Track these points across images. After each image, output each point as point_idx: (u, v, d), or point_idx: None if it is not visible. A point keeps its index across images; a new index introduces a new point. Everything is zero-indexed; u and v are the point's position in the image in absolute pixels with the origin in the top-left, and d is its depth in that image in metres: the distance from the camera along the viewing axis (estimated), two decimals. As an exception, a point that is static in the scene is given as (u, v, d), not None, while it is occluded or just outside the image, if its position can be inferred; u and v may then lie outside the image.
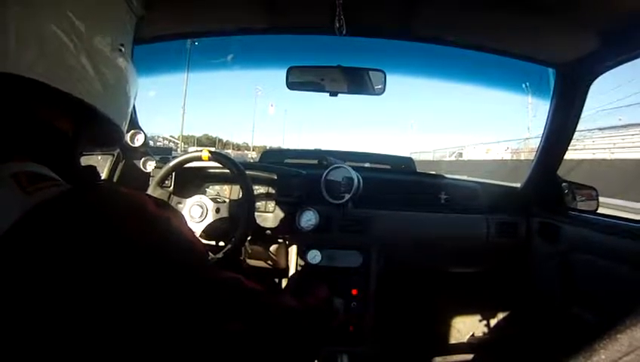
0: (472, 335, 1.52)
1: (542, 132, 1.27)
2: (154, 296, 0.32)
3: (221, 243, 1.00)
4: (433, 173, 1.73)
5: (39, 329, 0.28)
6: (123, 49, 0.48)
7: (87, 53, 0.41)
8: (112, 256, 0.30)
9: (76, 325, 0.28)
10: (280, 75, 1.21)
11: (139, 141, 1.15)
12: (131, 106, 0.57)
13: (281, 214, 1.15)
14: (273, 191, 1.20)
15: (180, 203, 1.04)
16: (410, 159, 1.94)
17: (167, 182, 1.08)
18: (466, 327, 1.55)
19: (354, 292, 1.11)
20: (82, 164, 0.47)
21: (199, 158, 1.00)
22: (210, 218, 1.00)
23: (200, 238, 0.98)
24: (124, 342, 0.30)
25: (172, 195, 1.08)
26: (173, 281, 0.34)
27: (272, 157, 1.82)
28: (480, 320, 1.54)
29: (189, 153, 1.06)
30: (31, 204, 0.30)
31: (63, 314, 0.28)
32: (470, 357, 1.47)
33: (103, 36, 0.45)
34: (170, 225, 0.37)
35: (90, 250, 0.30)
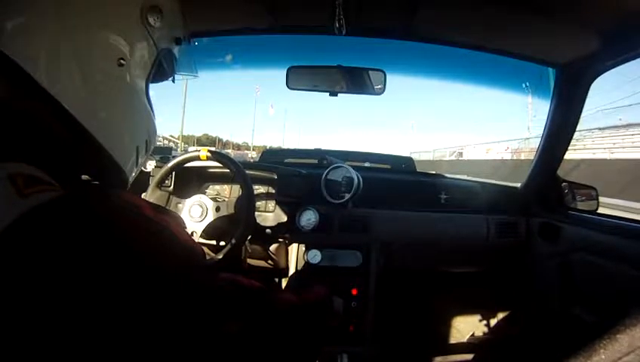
0: (472, 335, 1.52)
1: (542, 132, 1.27)
2: (149, 301, 0.31)
3: (221, 243, 1.00)
4: (433, 172, 1.73)
5: (34, 335, 0.27)
6: (124, 62, 0.44)
7: (72, 50, 0.39)
8: (106, 261, 0.30)
9: (70, 329, 0.28)
10: (280, 74, 1.21)
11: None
12: (136, 142, 0.50)
13: (281, 214, 1.15)
14: (273, 191, 1.20)
15: (179, 203, 1.04)
16: (410, 159, 1.94)
17: (166, 182, 1.08)
18: (466, 327, 1.55)
19: (354, 292, 1.10)
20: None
21: (198, 158, 1.00)
22: (211, 217, 1.00)
23: (200, 238, 0.98)
24: (118, 347, 0.30)
25: (172, 195, 1.08)
26: (169, 286, 0.33)
27: (272, 157, 1.82)
28: (480, 320, 1.54)
29: (187, 153, 1.06)
30: (26, 206, 0.30)
31: (57, 318, 0.28)
32: (470, 357, 1.47)
33: (96, 42, 0.42)
34: (167, 229, 0.37)
35: (85, 254, 0.29)
